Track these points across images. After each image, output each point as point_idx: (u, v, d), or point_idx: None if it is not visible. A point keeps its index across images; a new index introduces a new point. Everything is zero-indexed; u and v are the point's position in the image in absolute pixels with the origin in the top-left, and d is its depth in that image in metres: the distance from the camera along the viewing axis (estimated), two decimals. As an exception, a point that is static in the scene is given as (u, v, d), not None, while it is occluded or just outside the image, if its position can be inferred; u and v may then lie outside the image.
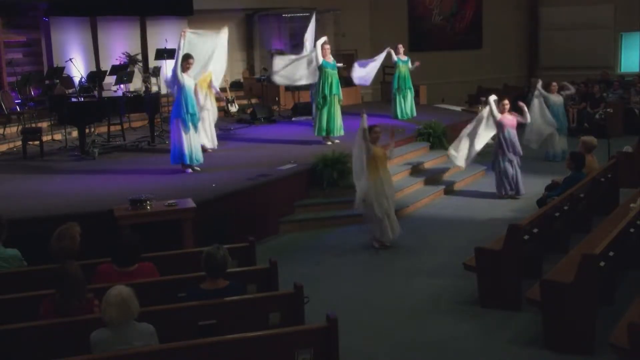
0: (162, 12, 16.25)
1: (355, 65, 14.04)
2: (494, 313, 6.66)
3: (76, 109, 11.52)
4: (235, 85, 17.65)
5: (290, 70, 12.36)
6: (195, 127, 9.99)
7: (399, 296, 7.27)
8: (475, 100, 17.65)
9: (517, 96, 14.93)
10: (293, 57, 12.70)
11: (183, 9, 16.15)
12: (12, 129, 13.22)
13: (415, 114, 14.48)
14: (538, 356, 5.82)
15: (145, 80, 13.96)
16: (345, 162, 9.89)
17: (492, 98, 10.85)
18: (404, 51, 14.52)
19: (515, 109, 11.06)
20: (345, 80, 14.58)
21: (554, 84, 13.68)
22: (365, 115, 8.66)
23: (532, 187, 10.63)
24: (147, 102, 12.54)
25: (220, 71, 11.63)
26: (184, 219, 7.62)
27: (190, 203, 7.77)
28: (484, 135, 10.96)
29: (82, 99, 11.98)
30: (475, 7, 22.15)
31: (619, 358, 5.26)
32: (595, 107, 16.41)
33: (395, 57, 14.27)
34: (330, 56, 11.85)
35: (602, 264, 5.74)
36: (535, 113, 12.75)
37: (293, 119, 15.02)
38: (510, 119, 10.62)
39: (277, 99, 16.21)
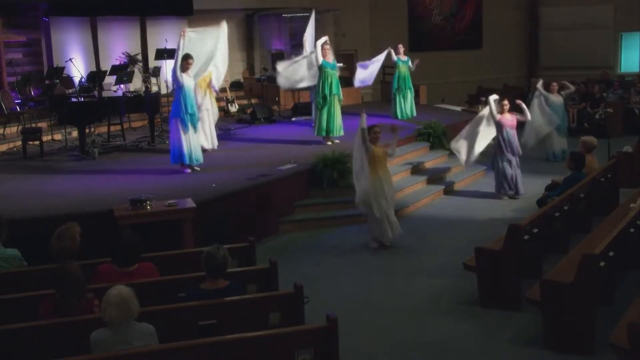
0: (162, 12, 16.26)
1: (358, 68, 14.02)
2: (494, 313, 6.65)
3: (76, 109, 11.52)
4: (235, 85, 17.67)
5: (291, 72, 12.36)
6: (195, 127, 9.98)
7: (399, 296, 7.27)
8: (475, 100, 17.65)
9: (516, 96, 14.90)
10: (294, 58, 12.69)
11: (183, 9, 16.16)
12: (12, 129, 13.22)
13: (415, 114, 14.48)
14: (538, 356, 5.82)
15: (145, 80, 13.97)
16: (345, 162, 9.89)
17: (493, 97, 10.84)
18: (404, 51, 14.52)
19: (515, 109, 11.06)
20: (345, 80, 14.58)
21: (554, 84, 13.67)
22: (364, 115, 8.66)
23: (532, 187, 10.63)
24: (147, 102, 12.54)
25: (222, 65, 11.57)
26: (184, 219, 7.62)
27: (190, 203, 7.77)
28: (486, 135, 10.95)
29: (82, 99, 11.98)
30: (475, 7, 22.15)
31: (619, 358, 5.26)
32: (595, 107, 16.41)
33: (394, 57, 14.26)
34: (330, 56, 11.84)
35: (602, 264, 5.74)
36: (536, 112, 12.75)
37: (293, 119, 15.02)
38: (509, 119, 10.62)
39: (277, 99, 16.21)
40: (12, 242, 6.06)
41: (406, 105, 14.41)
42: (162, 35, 15.43)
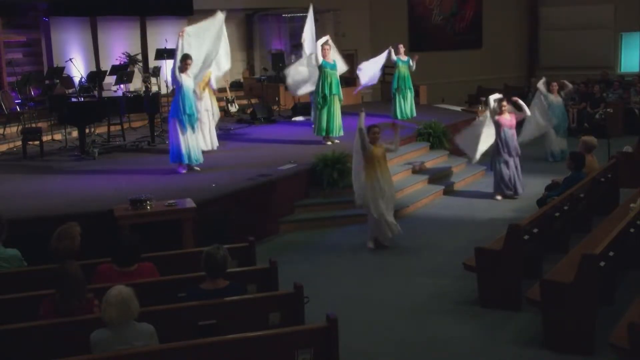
0: (162, 12, 16.26)
1: (361, 70, 14.01)
2: (494, 313, 6.66)
3: (76, 109, 11.52)
4: (235, 85, 17.66)
5: (294, 73, 12.36)
6: (193, 128, 9.96)
7: (399, 296, 7.27)
8: (475, 100, 17.65)
9: (516, 96, 14.90)
10: (297, 62, 12.69)
11: (183, 9, 16.14)
12: (12, 129, 13.22)
13: (415, 114, 14.46)
14: (538, 356, 5.82)
15: (145, 80, 13.95)
16: (345, 162, 9.89)
17: (493, 97, 10.83)
18: (404, 51, 14.51)
19: (513, 106, 11.02)
20: (346, 80, 14.57)
21: (554, 84, 13.68)
22: (363, 115, 8.66)
23: (532, 187, 10.64)
24: (147, 102, 12.54)
25: (225, 61, 11.51)
26: (184, 219, 7.62)
27: (190, 203, 7.78)
28: (490, 134, 10.93)
29: (82, 99, 11.99)
30: (475, 7, 22.14)
31: (619, 358, 5.26)
32: (595, 107, 16.41)
33: (394, 57, 14.24)
34: (331, 56, 11.82)
35: (602, 264, 5.74)
36: (535, 110, 12.72)
37: (293, 119, 15.02)
38: (508, 119, 10.60)
39: (277, 99, 16.21)
40: (12, 242, 6.06)
41: (406, 105, 14.39)
42: (162, 35, 15.44)
